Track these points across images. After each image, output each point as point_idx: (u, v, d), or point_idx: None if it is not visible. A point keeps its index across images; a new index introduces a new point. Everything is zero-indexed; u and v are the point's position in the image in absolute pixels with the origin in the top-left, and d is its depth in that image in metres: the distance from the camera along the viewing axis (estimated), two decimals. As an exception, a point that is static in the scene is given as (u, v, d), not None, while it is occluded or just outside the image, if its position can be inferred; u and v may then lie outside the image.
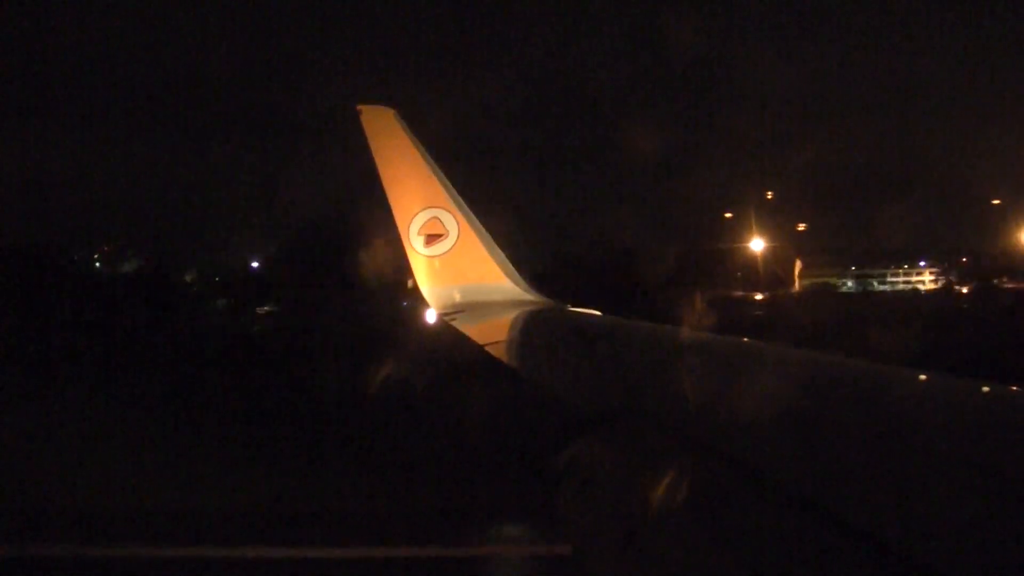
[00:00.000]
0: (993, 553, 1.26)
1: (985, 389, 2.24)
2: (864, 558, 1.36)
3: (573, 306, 7.56)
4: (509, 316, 6.86)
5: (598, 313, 6.95)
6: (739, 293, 45.93)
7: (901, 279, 59.50)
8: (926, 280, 58.62)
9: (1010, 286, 47.65)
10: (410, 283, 8.11)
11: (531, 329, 6.43)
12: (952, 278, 55.96)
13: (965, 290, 49.04)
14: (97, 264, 53.66)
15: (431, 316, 7.85)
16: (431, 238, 7.73)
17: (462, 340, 6.44)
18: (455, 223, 7.70)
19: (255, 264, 52.18)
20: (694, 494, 1.95)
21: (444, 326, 7.37)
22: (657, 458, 2.22)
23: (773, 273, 51.25)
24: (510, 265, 7.88)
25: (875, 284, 58.72)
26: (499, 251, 7.86)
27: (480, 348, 5.64)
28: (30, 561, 6.45)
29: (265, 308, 40.42)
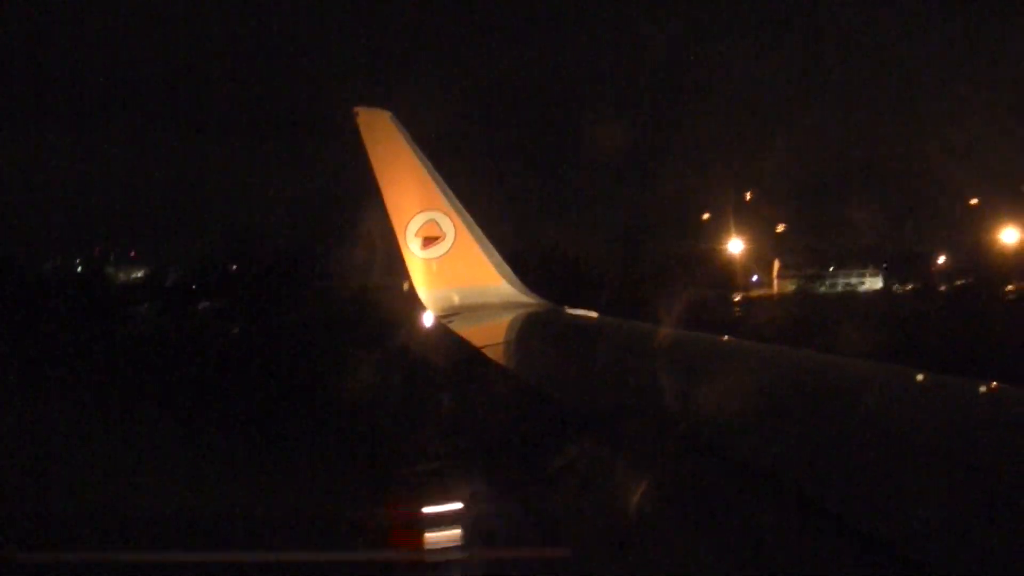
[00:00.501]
0: (984, 550, 1.26)
1: (982, 388, 2.24)
2: (861, 558, 1.36)
3: (570, 308, 7.56)
4: (506, 318, 6.85)
5: (595, 315, 6.95)
6: (716, 293, 46.57)
7: (841, 281, 59.04)
8: (867, 282, 58.24)
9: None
10: (406, 286, 8.11)
11: (528, 331, 6.42)
12: (893, 281, 55.83)
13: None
14: (79, 268, 53.44)
15: (428, 319, 7.84)
16: (428, 241, 7.73)
17: (459, 342, 6.43)
18: (452, 226, 7.70)
19: (234, 266, 52.01)
20: (691, 495, 1.94)
21: (441, 328, 7.36)
22: (654, 459, 2.22)
23: (750, 273, 52.12)
24: (507, 267, 7.87)
25: (815, 286, 58.20)
26: (496, 253, 7.86)
27: (477, 350, 5.63)
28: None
29: (205, 304, 39.97)
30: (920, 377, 2.51)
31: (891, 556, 1.32)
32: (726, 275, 50.28)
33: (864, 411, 2.18)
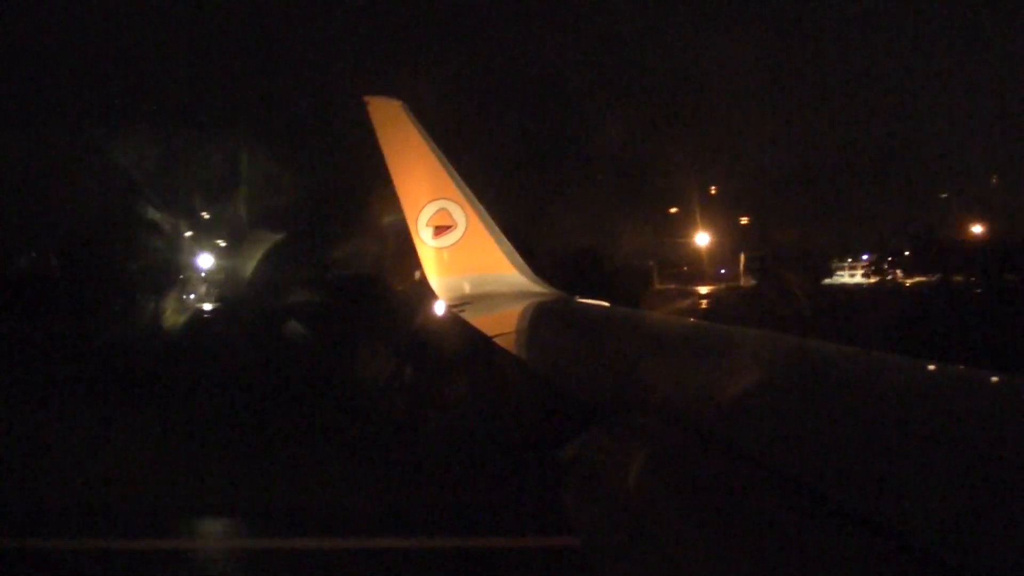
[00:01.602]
0: (1000, 541, 1.24)
1: (993, 379, 2.20)
2: (871, 549, 1.34)
3: (582, 297, 7.54)
4: (518, 307, 6.83)
5: (607, 304, 6.92)
6: (685, 286, 47.40)
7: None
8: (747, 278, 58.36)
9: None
10: (418, 275, 8.12)
11: (539, 320, 6.40)
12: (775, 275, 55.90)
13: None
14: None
15: (439, 307, 7.85)
16: (439, 229, 7.72)
17: (470, 331, 6.43)
18: (463, 215, 7.68)
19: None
20: (702, 486, 1.92)
21: (452, 317, 7.37)
22: (665, 450, 2.20)
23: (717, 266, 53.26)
24: (518, 256, 7.86)
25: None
26: (507, 242, 7.85)
27: (488, 339, 5.63)
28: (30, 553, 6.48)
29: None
30: (934, 368, 2.47)
31: (908, 552, 1.29)
32: (693, 267, 51.43)
33: (880, 403, 2.15)
